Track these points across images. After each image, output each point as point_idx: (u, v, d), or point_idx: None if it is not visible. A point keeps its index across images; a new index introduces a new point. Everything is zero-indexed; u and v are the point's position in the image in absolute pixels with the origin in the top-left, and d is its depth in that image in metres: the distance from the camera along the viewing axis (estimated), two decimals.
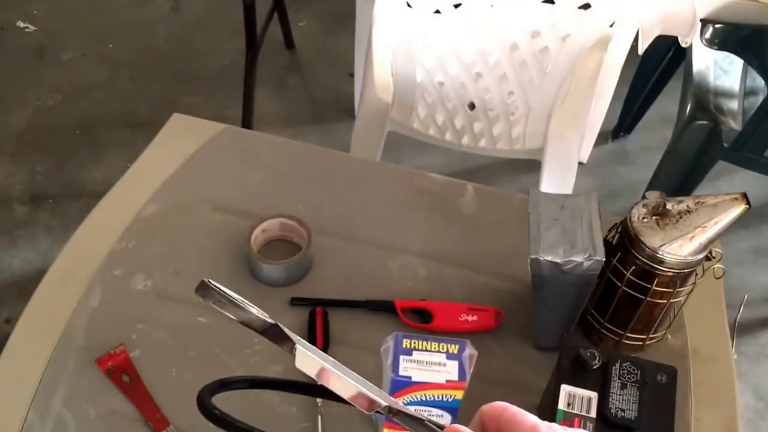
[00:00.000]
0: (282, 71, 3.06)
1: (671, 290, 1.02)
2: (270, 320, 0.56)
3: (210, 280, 0.53)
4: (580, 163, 2.38)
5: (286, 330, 0.57)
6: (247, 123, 2.62)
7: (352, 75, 2.77)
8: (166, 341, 1.10)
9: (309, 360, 0.58)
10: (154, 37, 3.17)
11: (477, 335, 1.12)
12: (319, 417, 1.02)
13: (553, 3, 1.51)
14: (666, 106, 2.67)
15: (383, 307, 1.16)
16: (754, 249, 2.48)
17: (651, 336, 1.12)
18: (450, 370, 0.92)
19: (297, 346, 0.58)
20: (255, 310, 0.56)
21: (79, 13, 3.26)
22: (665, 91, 2.64)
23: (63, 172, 2.58)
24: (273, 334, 0.58)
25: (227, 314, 0.54)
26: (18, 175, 2.56)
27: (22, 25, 3.16)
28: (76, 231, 1.23)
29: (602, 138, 2.74)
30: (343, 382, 0.57)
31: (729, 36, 1.65)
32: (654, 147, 2.67)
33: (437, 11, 1.58)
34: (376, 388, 0.57)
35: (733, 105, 2.01)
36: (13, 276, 2.26)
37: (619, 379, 0.94)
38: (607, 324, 1.11)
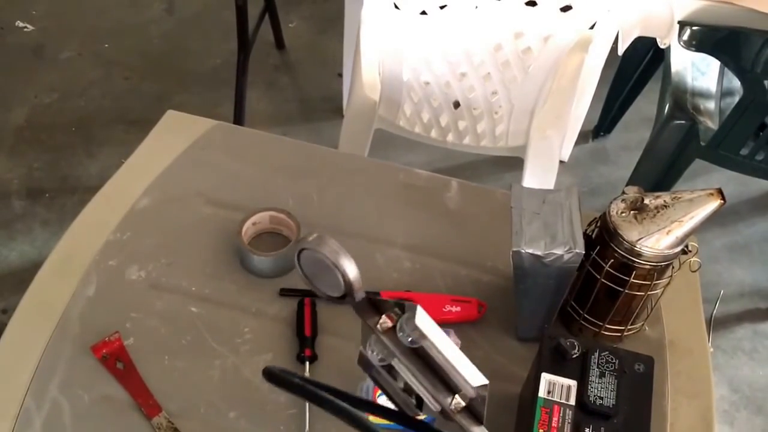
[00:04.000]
0: (272, 71, 3.08)
1: (649, 283, 1.05)
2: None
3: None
4: (561, 162, 2.41)
5: (384, 299, 0.60)
6: (238, 121, 2.63)
7: (340, 75, 2.80)
8: (159, 329, 1.12)
9: (427, 320, 0.61)
10: (149, 38, 3.19)
11: (460, 326, 1.14)
12: (307, 404, 1.04)
13: (535, 4, 1.54)
14: (645, 107, 2.70)
15: None
16: (730, 246, 2.52)
17: (629, 327, 1.14)
18: None
19: (418, 307, 0.60)
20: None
21: (75, 13, 3.28)
22: (644, 93, 2.68)
23: (59, 168, 2.60)
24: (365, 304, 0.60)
25: None
26: (16, 171, 2.58)
27: (20, 25, 3.18)
28: (72, 223, 1.25)
29: (583, 137, 2.78)
30: (452, 350, 0.59)
31: (706, 38, 1.67)
32: (633, 146, 2.70)
33: (423, 12, 1.61)
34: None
35: (710, 105, 2.04)
36: (10, 268, 2.28)
37: (597, 368, 0.95)
38: (586, 315, 1.13)
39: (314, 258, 0.67)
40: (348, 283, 0.64)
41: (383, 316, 0.67)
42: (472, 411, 0.63)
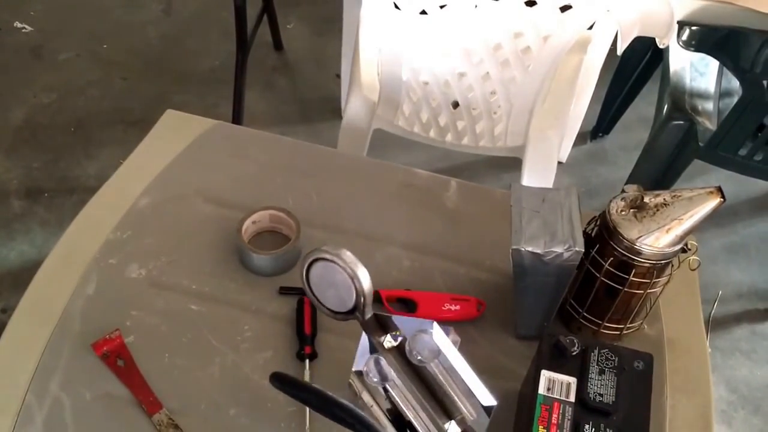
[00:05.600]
0: (271, 72, 3.08)
1: (648, 281, 1.05)
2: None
3: None
4: (559, 163, 2.41)
5: (386, 314, 0.61)
6: (237, 121, 2.64)
7: (338, 76, 2.80)
8: (159, 327, 1.13)
9: (442, 336, 0.61)
10: (147, 38, 3.20)
11: (459, 324, 1.12)
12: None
13: (534, 4, 1.54)
14: (643, 108, 2.71)
15: None
16: (728, 247, 2.52)
17: (628, 326, 1.14)
18: None
19: (434, 323, 0.61)
20: None
21: (74, 14, 3.29)
22: (642, 94, 2.69)
23: (58, 168, 2.61)
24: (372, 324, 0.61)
25: None
26: (14, 171, 2.58)
27: (19, 25, 3.18)
28: (72, 221, 1.25)
29: (581, 138, 2.78)
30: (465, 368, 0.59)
31: (705, 38, 1.68)
32: (632, 147, 2.71)
33: (423, 12, 1.61)
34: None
35: (709, 106, 2.04)
36: (9, 268, 2.28)
37: (597, 365, 0.95)
38: (585, 314, 1.14)
39: (326, 270, 0.67)
40: (361, 295, 0.64)
41: (388, 335, 0.67)
42: None
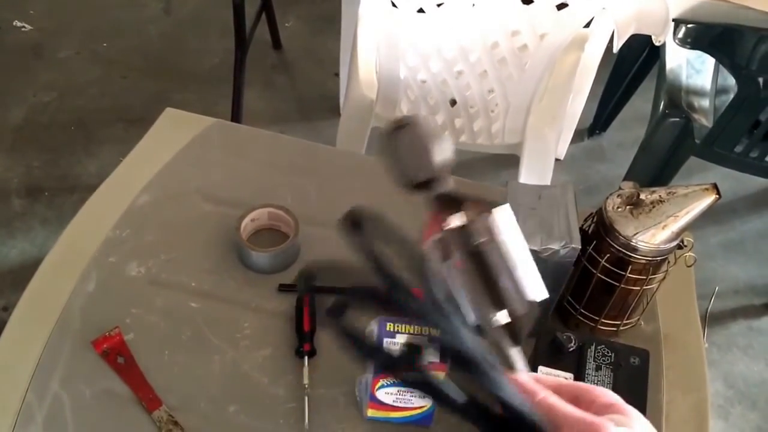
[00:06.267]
0: (269, 70, 3.09)
1: (644, 277, 1.06)
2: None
3: None
4: (556, 160, 2.42)
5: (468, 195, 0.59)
6: (236, 119, 2.64)
7: (337, 74, 2.81)
8: (159, 325, 1.13)
9: (510, 219, 0.60)
10: (146, 37, 3.20)
11: None
12: (306, 398, 1.05)
13: (531, 2, 1.55)
14: (640, 106, 2.71)
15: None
16: (725, 243, 2.53)
17: (625, 322, 1.15)
18: (432, 353, 0.95)
19: (507, 205, 0.60)
20: None
21: (74, 13, 3.29)
22: (639, 91, 2.69)
23: (58, 166, 2.61)
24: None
25: None
26: (15, 169, 2.59)
27: (19, 24, 3.19)
28: (72, 219, 1.26)
29: (578, 136, 2.79)
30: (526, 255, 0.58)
31: (701, 35, 1.68)
32: (628, 144, 2.71)
33: (421, 10, 1.62)
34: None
35: (705, 103, 2.05)
36: (10, 266, 2.28)
37: (594, 361, 0.96)
38: (582, 310, 1.14)
39: (406, 138, 0.65)
40: (435, 168, 0.63)
41: (456, 215, 0.65)
42: (511, 330, 0.61)
